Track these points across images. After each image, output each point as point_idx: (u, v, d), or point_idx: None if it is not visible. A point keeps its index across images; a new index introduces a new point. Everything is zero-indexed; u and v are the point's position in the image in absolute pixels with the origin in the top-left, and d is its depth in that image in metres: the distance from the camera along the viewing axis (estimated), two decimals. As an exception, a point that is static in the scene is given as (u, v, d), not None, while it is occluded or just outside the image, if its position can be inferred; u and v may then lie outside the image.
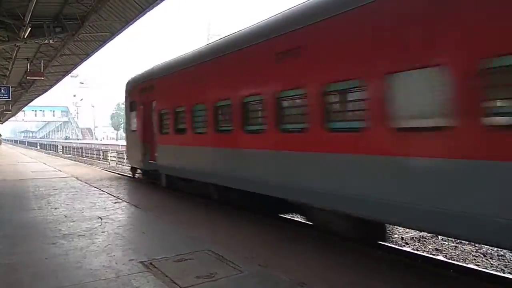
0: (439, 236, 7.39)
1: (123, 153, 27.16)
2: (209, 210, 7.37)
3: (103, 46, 16.09)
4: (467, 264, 5.94)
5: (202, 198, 8.53)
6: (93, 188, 10.54)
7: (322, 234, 5.66)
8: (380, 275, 3.82)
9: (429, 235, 7.50)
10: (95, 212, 7.05)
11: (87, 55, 17.70)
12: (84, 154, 34.71)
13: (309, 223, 8.20)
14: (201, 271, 3.98)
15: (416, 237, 7.45)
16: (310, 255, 4.49)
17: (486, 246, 6.80)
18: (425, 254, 6.29)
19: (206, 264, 4.19)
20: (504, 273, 5.60)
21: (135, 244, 4.97)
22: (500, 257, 6.38)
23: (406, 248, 6.67)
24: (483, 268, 5.69)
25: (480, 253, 6.60)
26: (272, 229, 5.77)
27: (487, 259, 6.33)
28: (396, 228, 8.37)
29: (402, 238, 7.49)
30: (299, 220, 8.59)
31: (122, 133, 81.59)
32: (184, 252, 4.56)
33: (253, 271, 3.97)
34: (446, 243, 7.16)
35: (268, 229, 5.74)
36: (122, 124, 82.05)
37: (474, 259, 6.39)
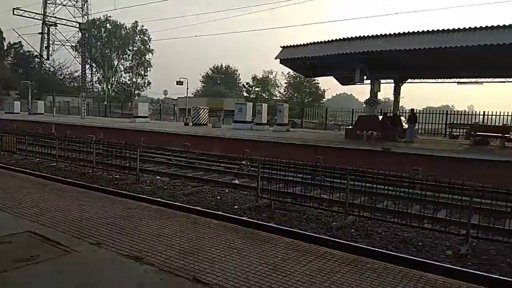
0: (272, 206, 8.27)
1: None
2: (38, 189, 6.51)
3: None
4: (293, 228, 6.82)
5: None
6: None
7: (161, 207, 5.65)
8: (219, 240, 4.04)
9: (264, 206, 8.30)
10: None
11: None
12: None
13: (153, 198, 8.09)
14: (21, 254, 3.50)
15: (252, 207, 8.16)
16: (146, 229, 4.43)
17: (308, 213, 7.94)
18: (259, 222, 6.94)
19: (28, 247, 3.70)
20: (320, 234, 6.64)
21: None
22: (318, 221, 7.53)
23: (243, 218, 7.24)
24: (303, 231, 6.63)
25: (303, 218, 7.66)
26: (112, 206, 5.46)
27: (308, 223, 7.38)
28: (236, 200, 9.02)
29: (241, 208, 8.10)
30: (143, 196, 8.40)
31: None
32: (1, 235, 3.93)
33: (83, 250, 3.69)
34: (278, 211, 8.06)
35: (109, 206, 5.41)
36: None
37: (299, 223, 7.38)
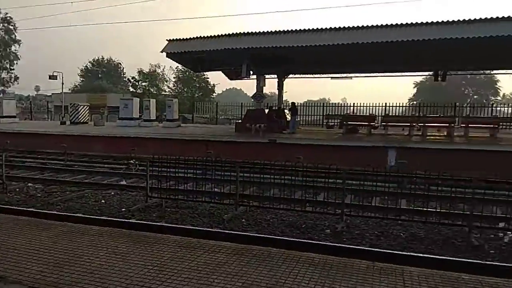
0: (163, 205, 8.05)
1: None
2: None
3: None
4: (185, 225, 6.75)
5: None
6: None
7: (33, 218, 5.03)
8: (99, 245, 3.75)
9: (154, 206, 8.03)
10: None
11: None
12: None
13: (22, 208, 7.22)
14: None
15: (141, 208, 7.82)
16: (13, 244, 3.89)
17: (200, 208, 7.93)
18: (148, 222, 6.69)
19: None
20: (213, 228, 6.69)
21: None
22: (210, 215, 7.58)
23: (132, 220, 6.91)
24: (198, 227, 6.61)
25: (196, 214, 7.63)
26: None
27: (200, 218, 7.38)
28: (124, 202, 8.54)
29: (129, 210, 7.70)
30: (9, 207, 7.44)
31: None
32: None
33: None
34: (169, 209, 7.88)
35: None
36: None
37: (191, 219, 7.33)
